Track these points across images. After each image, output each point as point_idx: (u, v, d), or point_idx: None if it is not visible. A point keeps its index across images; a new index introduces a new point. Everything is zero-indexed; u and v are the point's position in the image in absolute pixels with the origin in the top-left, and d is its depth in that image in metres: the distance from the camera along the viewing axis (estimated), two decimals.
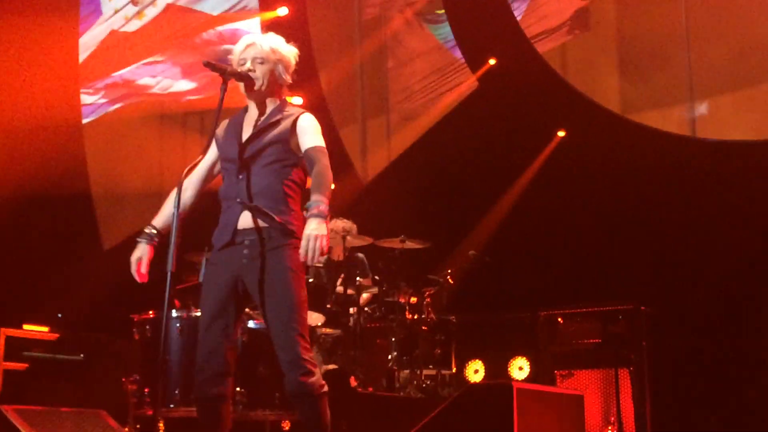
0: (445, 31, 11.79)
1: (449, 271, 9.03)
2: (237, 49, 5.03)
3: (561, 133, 10.94)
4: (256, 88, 4.94)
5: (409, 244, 8.78)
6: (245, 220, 4.85)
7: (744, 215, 9.52)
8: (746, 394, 8.27)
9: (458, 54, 11.64)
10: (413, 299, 8.76)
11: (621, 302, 9.06)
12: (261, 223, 4.82)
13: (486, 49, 11.13)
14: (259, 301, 4.79)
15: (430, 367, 8.79)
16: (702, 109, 10.69)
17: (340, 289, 8.49)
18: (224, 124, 5.08)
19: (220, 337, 4.79)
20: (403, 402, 8.06)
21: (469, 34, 11.41)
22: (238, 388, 6.72)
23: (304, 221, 4.71)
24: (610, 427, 9.04)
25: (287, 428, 7.28)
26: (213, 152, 5.06)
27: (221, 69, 4.85)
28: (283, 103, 5.04)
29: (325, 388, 4.80)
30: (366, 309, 8.60)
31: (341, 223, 8.58)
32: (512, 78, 10.84)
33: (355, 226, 8.68)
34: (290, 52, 5.07)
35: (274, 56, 4.99)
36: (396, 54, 12.06)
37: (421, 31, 12.01)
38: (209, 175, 5.09)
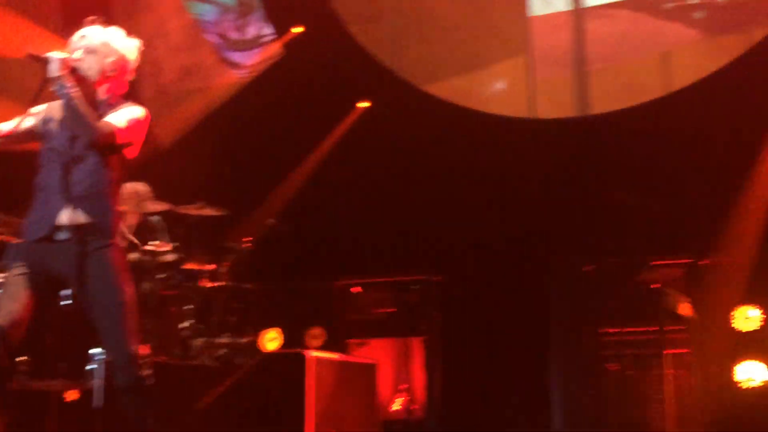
0: None
1: (247, 238, 8.94)
2: (72, 39, 4.90)
3: (363, 104, 10.98)
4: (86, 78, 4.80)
5: (207, 211, 8.64)
6: (67, 215, 4.71)
7: (537, 188, 9.85)
8: (532, 363, 8.57)
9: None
10: (210, 266, 8.64)
11: (415, 272, 9.21)
12: (84, 220, 4.70)
13: (292, 17, 11.04)
14: (84, 301, 4.74)
15: (226, 335, 8.70)
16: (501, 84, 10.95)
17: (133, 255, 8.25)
18: (55, 107, 4.83)
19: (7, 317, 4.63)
20: (197, 371, 7.94)
21: (276, 2, 11.31)
22: (22, 357, 6.45)
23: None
24: (400, 395, 9.20)
25: (75, 398, 7.03)
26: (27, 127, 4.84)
27: (43, 59, 4.64)
28: (115, 99, 4.88)
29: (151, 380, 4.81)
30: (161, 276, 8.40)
31: (136, 187, 8.31)
32: (317, 47, 10.79)
33: (150, 190, 8.43)
34: (127, 46, 4.91)
35: (105, 49, 4.85)
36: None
37: None
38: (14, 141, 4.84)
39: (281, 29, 11.19)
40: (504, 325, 9.28)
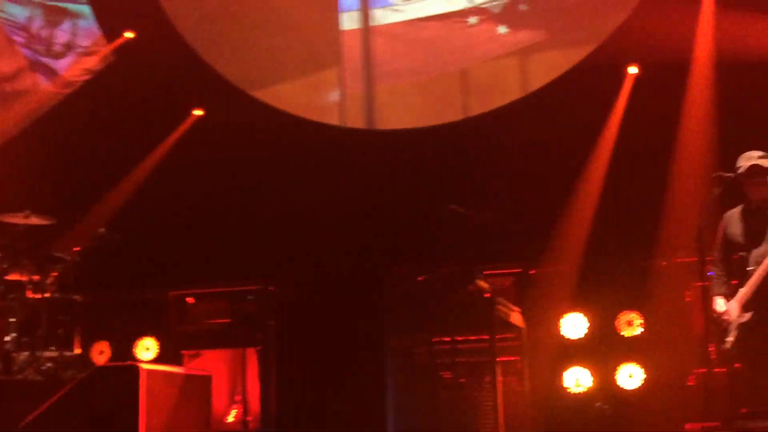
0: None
1: (76, 248, 8.70)
2: None
3: (197, 112, 10.84)
4: None
5: (34, 220, 8.37)
6: None
7: (372, 198, 9.94)
8: (367, 372, 8.63)
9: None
10: (36, 277, 8.37)
11: (250, 282, 9.14)
12: None
13: (123, 22, 10.80)
14: None
15: (52, 348, 8.44)
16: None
17: None
18: None
19: None
20: (21, 386, 7.67)
21: (107, 6, 11.05)
22: None
23: None
24: (235, 407, 9.11)
25: None
26: None
27: None
28: None
29: None
30: None
31: None
32: (149, 53, 10.59)
33: None
34: None
35: None
36: None
37: None
38: None
39: (112, 35, 10.95)
40: (339, 335, 9.31)
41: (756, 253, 6.76)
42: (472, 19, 10.61)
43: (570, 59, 10.39)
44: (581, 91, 9.90)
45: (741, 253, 6.86)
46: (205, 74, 10.82)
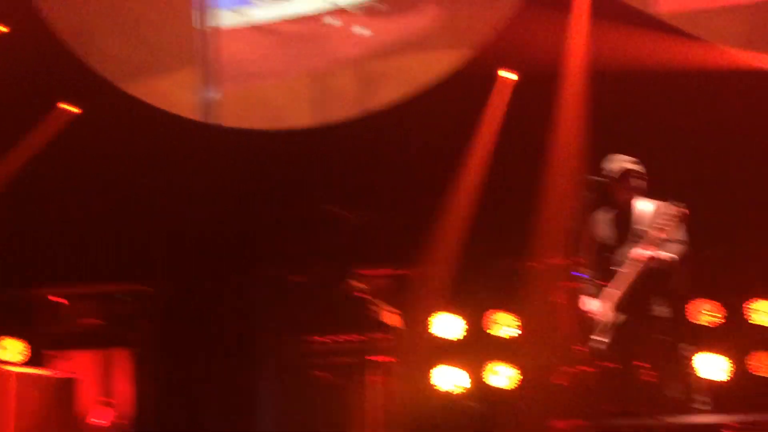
0: None
1: None
2: None
3: (66, 106, 10.57)
4: None
5: None
6: None
7: (248, 199, 9.87)
8: (241, 372, 8.58)
9: None
10: None
11: (125, 282, 8.98)
12: None
13: None
14: None
15: None
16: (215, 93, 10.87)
17: None
18: None
19: None
20: None
21: None
22: None
23: None
24: (105, 409, 8.95)
25: None
26: None
27: None
28: None
29: None
30: None
31: None
32: (18, 45, 10.29)
33: None
34: None
35: None
36: None
37: None
38: None
39: None
40: (213, 335, 9.22)
41: (621, 253, 6.94)
42: (330, 20, 10.59)
43: (445, 62, 10.49)
44: (458, 94, 10.01)
45: (609, 254, 7.02)
46: (74, 67, 10.56)
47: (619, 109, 9.57)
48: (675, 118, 9.49)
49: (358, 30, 10.55)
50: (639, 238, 6.91)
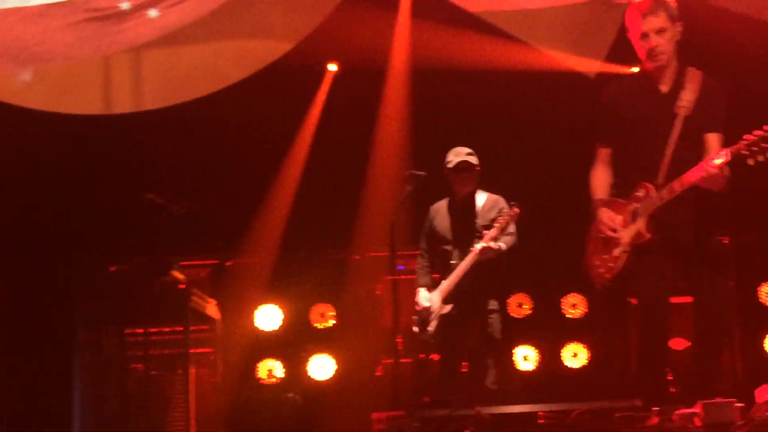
0: None
1: None
2: None
3: None
4: None
5: None
6: None
7: (63, 186, 9.59)
8: (57, 365, 8.34)
9: None
10: None
11: None
12: None
13: None
14: None
15: None
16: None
17: None
18: None
19: None
20: None
21: None
22: None
23: None
24: None
25: None
26: None
27: None
28: None
29: None
30: None
31: None
32: None
33: None
34: None
35: None
36: None
37: None
38: None
39: None
40: (27, 328, 8.93)
41: (460, 246, 7.10)
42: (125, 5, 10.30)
43: (265, 51, 10.42)
44: (281, 84, 10.00)
45: (446, 247, 7.20)
46: None
47: (441, 106, 9.81)
48: (497, 117, 9.81)
49: (154, 13, 10.27)
50: (476, 231, 7.08)
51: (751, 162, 4.85)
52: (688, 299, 5.47)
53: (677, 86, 5.31)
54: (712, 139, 5.26)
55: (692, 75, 5.33)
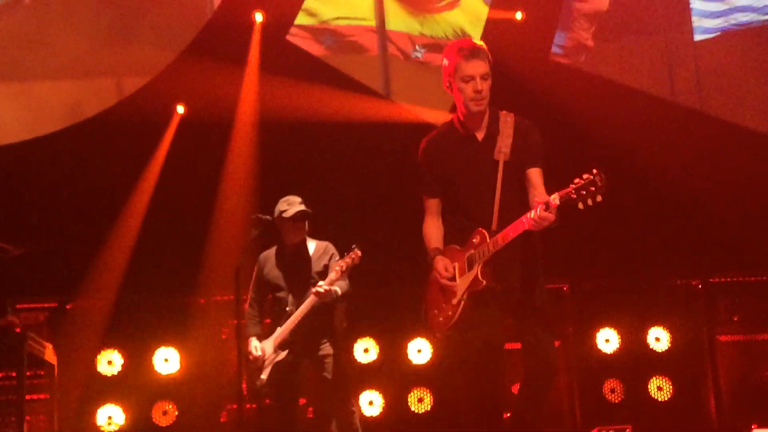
0: None
1: None
2: None
3: None
4: None
5: None
6: None
7: None
8: None
9: None
10: None
11: None
12: None
13: None
14: None
15: None
16: None
17: None
18: None
19: None
20: None
21: None
22: None
23: None
24: None
25: None
26: None
27: None
28: None
29: None
30: None
31: None
32: None
33: None
34: None
35: None
36: None
37: None
38: None
39: None
40: None
41: (295, 293, 7.23)
42: None
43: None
44: (129, 124, 10.00)
45: (280, 294, 7.30)
46: None
47: (287, 154, 10.00)
48: (339, 166, 10.08)
49: None
50: (310, 277, 7.22)
51: (581, 206, 4.95)
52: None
53: (492, 132, 5.46)
54: (534, 174, 5.42)
55: (505, 120, 5.48)
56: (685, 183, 10.06)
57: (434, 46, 10.74)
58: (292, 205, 7.28)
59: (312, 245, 7.41)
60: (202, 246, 9.83)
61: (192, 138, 10.14)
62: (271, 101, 9.88)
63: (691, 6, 11.25)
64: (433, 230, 5.61)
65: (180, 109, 10.28)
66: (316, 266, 7.30)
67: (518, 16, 10.29)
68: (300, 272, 7.29)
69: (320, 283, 7.05)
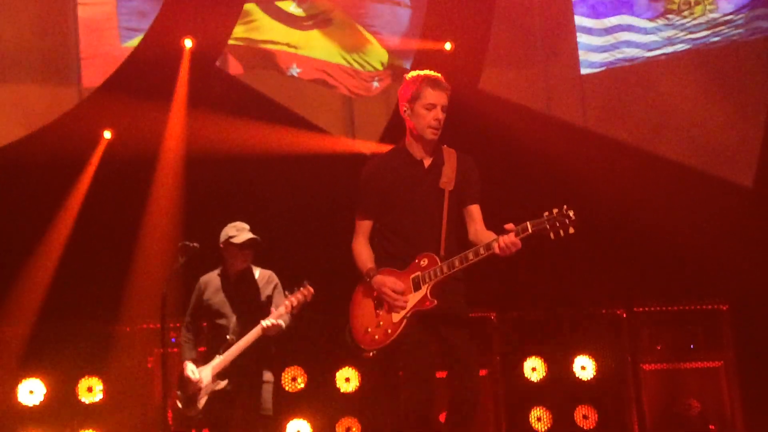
0: None
1: None
2: None
3: None
4: None
5: None
6: None
7: None
8: None
9: None
10: None
11: None
12: None
13: None
14: None
15: None
16: None
17: None
18: None
19: None
20: None
21: None
22: None
23: None
24: None
25: None
26: None
27: None
28: None
29: None
30: None
31: None
32: None
33: None
34: None
35: None
36: None
37: None
38: None
39: None
40: None
41: (239, 321, 7.21)
42: None
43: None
44: (53, 148, 9.98)
45: (220, 321, 7.25)
46: None
47: (215, 179, 10.08)
48: (271, 193, 10.20)
49: None
50: (256, 306, 7.23)
51: (552, 236, 5.28)
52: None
53: (438, 161, 5.73)
54: (475, 209, 5.74)
55: (448, 152, 5.77)
56: (609, 213, 10.37)
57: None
58: (241, 231, 7.26)
59: (256, 273, 7.40)
60: (126, 273, 9.82)
61: (118, 160, 10.16)
62: (199, 131, 9.99)
63: (578, 40, 11.64)
64: (366, 250, 5.77)
65: (107, 134, 10.29)
66: (262, 295, 7.30)
67: (447, 46, 10.53)
68: (246, 301, 7.27)
69: (268, 319, 7.04)
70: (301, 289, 7.13)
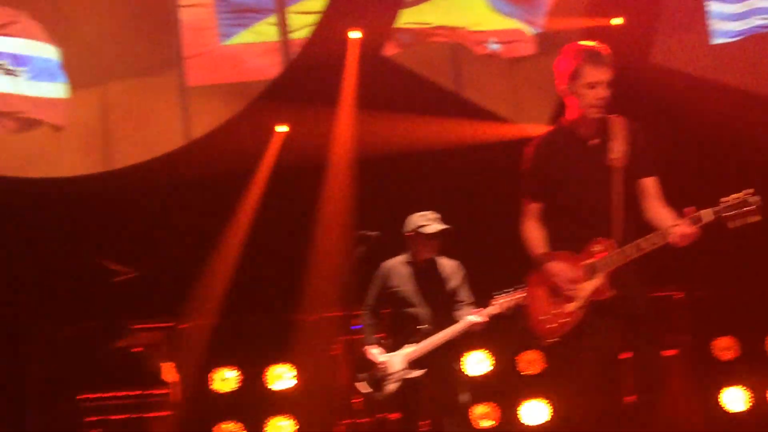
0: None
1: None
2: None
3: None
4: None
5: None
6: None
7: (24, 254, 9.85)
8: None
9: None
10: None
11: None
12: None
13: None
14: None
15: None
16: None
17: None
18: None
19: None
20: None
21: None
22: None
23: None
24: None
25: None
26: None
27: None
28: None
29: None
30: None
31: None
32: None
33: None
34: None
35: None
36: None
37: None
38: None
39: None
40: None
41: (430, 312, 7.16)
42: None
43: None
44: (228, 146, 10.33)
45: (410, 309, 7.19)
46: None
47: (390, 167, 10.27)
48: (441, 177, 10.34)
49: None
50: (447, 296, 7.20)
51: (731, 225, 4.94)
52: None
53: (604, 138, 5.38)
54: (650, 183, 5.35)
55: (616, 123, 5.40)
56: None
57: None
58: (430, 221, 7.16)
59: (443, 262, 7.32)
60: (307, 263, 10.08)
61: (292, 153, 10.41)
62: (369, 124, 10.17)
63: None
64: (537, 234, 5.50)
65: (281, 128, 10.57)
66: (450, 286, 7.25)
67: (617, 21, 10.31)
68: (434, 290, 7.19)
69: (478, 316, 6.98)
70: (517, 291, 6.86)
